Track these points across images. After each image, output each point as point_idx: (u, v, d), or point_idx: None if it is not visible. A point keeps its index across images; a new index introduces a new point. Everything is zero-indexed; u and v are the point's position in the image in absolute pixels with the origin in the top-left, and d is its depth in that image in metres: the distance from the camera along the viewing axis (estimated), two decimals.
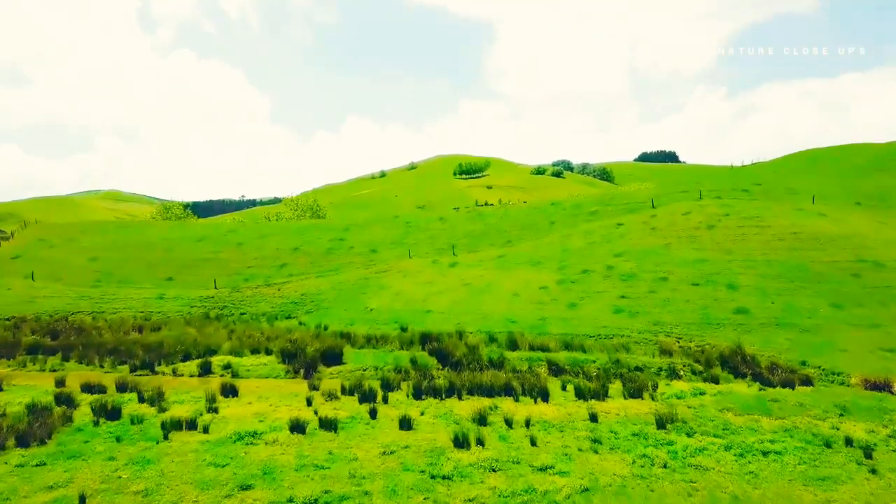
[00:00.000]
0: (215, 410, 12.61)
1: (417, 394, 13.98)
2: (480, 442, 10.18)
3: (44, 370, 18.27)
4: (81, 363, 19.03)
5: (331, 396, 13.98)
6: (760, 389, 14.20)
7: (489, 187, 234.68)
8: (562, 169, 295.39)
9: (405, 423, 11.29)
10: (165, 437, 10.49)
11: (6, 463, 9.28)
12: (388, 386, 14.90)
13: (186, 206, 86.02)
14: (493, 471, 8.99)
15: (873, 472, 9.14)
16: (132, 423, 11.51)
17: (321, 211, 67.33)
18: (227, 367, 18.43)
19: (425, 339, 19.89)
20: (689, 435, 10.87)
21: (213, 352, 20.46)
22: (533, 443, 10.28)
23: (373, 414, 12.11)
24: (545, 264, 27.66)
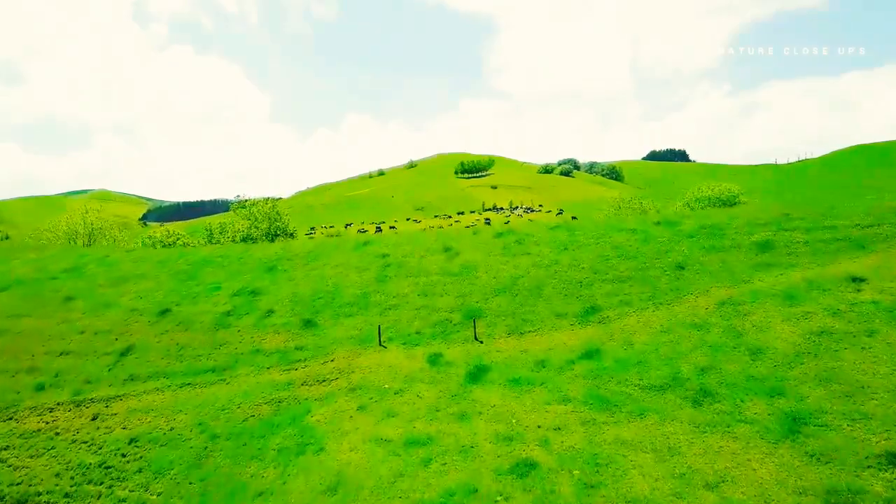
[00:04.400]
0: None
1: None
2: None
3: None
4: None
5: None
6: None
7: (494, 187, 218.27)
8: (570, 167, 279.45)
9: None
10: None
11: None
12: None
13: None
14: None
15: None
16: None
17: (282, 221, 49.66)
18: None
19: None
20: None
21: None
22: None
23: None
24: (729, 403, 10.31)
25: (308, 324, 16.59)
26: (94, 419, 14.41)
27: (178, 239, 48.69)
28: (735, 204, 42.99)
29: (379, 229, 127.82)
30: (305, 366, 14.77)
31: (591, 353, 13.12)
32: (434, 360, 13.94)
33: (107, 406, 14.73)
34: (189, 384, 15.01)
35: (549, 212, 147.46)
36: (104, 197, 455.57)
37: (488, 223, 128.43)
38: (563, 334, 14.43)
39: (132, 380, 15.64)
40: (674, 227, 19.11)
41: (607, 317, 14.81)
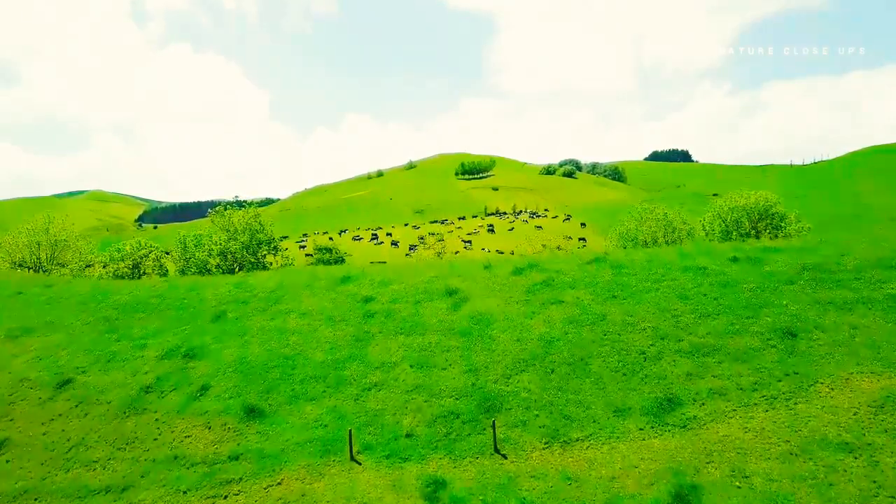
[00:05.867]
0: None
1: None
2: None
3: None
4: None
5: None
6: None
7: (495, 189, 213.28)
8: (573, 168, 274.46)
9: None
10: None
11: None
12: None
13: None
14: None
15: None
16: None
17: (265, 232, 44.01)
18: None
19: None
20: None
21: None
22: None
23: None
24: None
25: (252, 413, 11.61)
26: None
27: (150, 252, 43.62)
28: (773, 215, 37.99)
29: (375, 236, 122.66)
30: (239, 491, 9.80)
31: (683, 496, 8.17)
32: (434, 494, 8.98)
33: None
34: None
35: (556, 217, 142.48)
36: (101, 198, 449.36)
37: (491, 230, 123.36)
38: (630, 447, 9.47)
39: None
40: (759, 266, 14.14)
41: (694, 417, 9.86)
